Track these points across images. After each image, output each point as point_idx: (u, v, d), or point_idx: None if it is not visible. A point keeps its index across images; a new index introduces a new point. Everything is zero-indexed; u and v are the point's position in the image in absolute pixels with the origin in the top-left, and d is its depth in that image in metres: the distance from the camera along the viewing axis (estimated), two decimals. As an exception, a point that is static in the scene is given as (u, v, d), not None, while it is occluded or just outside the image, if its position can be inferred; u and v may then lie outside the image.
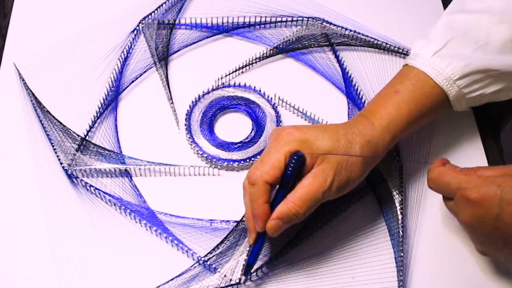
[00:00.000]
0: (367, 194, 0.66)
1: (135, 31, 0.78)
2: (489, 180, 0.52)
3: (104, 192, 0.65)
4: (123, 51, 0.75)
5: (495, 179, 0.51)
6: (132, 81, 0.74)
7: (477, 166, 0.55)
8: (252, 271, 0.59)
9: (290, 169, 0.55)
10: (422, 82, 0.62)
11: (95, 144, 0.68)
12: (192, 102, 0.72)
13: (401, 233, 0.62)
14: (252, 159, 0.67)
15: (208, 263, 0.60)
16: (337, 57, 0.76)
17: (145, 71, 0.75)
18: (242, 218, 0.63)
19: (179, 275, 0.60)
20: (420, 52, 0.64)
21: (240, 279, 0.59)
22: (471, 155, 0.69)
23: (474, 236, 0.56)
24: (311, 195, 0.55)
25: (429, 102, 0.62)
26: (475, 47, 0.62)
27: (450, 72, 0.61)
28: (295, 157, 0.55)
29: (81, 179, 0.65)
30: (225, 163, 0.67)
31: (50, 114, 0.70)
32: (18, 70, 0.74)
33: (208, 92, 0.72)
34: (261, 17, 0.79)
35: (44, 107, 0.70)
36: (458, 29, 0.63)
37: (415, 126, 0.63)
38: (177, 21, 0.79)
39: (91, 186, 0.65)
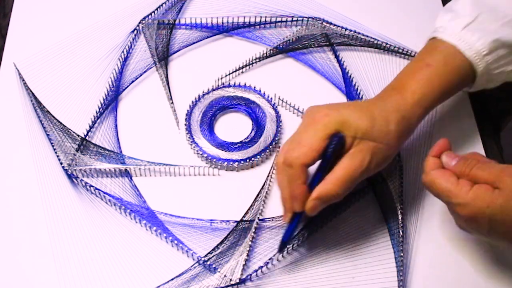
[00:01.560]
0: (367, 194, 0.66)
1: (135, 31, 0.78)
2: (480, 198, 0.50)
3: (104, 192, 0.65)
4: (123, 51, 0.75)
5: (485, 195, 0.50)
6: (132, 81, 0.74)
7: (475, 159, 0.53)
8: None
9: (330, 150, 0.55)
10: (453, 55, 0.61)
11: (95, 144, 0.68)
12: (192, 102, 0.72)
13: (401, 233, 0.62)
14: (252, 159, 0.67)
15: (208, 263, 0.60)
16: (337, 57, 0.76)
17: (145, 71, 0.75)
18: (242, 218, 0.63)
19: (179, 275, 0.60)
20: (448, 25, 0.62)
21: (240, 279, 0.59)
22: (471, 155, 0.69)
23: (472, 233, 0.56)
24: (349, 175, 0.55)
25: (458, 77, 0.61)
26: (503, 21, 0.61)
27: (480, 46, 0.60)
28: (335, 139, 0.56)
29: (81, 179, 0.65)
30: (225, 163, 0.67)
31: (50, 114, 0.70)
32: (18, 70, 0.74)
33: (208, 92, 0.72)
34: (261, 17, 0.79)
35: (44, 107, 0.70)
36: (486, 4, 0.62)
37: (442, 100, 0.63)
38: (177, 21, 0.79)
39: (91, 186, 0.65)
